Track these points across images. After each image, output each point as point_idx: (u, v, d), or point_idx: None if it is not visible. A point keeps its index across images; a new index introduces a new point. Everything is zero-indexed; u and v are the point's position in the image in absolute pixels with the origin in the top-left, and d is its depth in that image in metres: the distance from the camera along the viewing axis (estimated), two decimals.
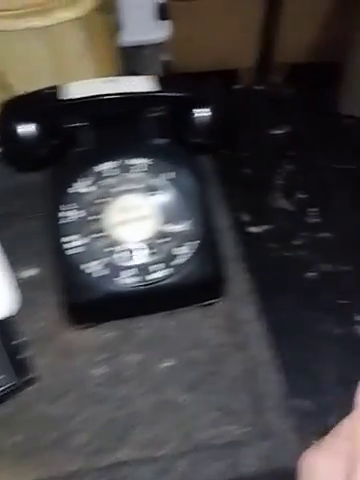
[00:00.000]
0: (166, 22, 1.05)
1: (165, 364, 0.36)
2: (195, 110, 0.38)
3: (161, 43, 0.98)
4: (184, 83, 0.40)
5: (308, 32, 1.27)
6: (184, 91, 0.39)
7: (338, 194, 1.10)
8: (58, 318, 0.37)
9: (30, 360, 0.35)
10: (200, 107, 0.38)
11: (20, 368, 0.34)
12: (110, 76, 0.56)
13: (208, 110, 0.38)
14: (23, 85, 0.40)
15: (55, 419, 0.33)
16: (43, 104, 0.37)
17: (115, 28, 0.65)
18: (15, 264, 0.39)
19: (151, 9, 1.06)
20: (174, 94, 0.38)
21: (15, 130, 0.36)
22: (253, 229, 1.08)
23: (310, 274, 0.98)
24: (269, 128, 1.26)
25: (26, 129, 0.36)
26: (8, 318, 0.36)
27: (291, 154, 1.19)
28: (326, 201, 1.09)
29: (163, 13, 1.06)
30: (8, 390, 0.33)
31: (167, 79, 0.39)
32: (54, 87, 0.37)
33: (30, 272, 0.40)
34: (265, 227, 1.07)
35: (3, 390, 0.33)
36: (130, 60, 0.79)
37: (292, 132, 1.24)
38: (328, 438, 0.20)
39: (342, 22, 1.16)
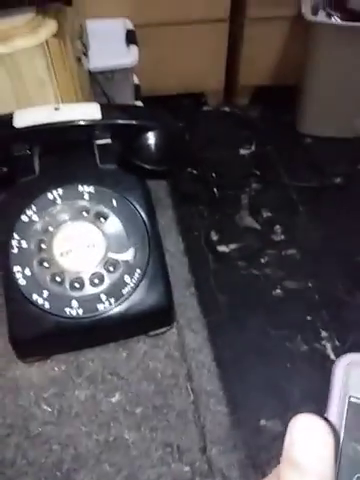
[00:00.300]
0: (134, 47, 1.07)
1: (112, 399, 0.35)
2: (140, 136, 0.38)
3: (130, 68, 0.99)
4: (128, 111, 0.40)
5: (269, 56, 1.32)
6: (128, 118, 0.39)
7: (301, 211, 1.13)
8: (6, 351, 0.36)
9: None
10: (145, 134, 0.38)
11: None
12: (74, 102, 0.56)
13: (153, 137, 0.38)
14: None
15: None
16: None
17: (81, 54, 0.65)
18: None
19: (120, 34, 1.08)
20: (119, 122, 0.38)
21: None
22: (222, 248, 1.09)
23: (277, 291, 0.99)
24: (236, 148, 1.28)
25: None
26: None
27: (256, 173, 1.22)
28: (290, 218, 1.11)
29: (131, 39, 1.08)
30: None
31: (112, 107, 0.39)
32: (5, 115, 0.37)
33: None
34: (233, 246, 1.08)
35: None
36: (101, 85, 0.80)
37: (257, 152, 1.27)
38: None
39: (299, 46, 1.21)
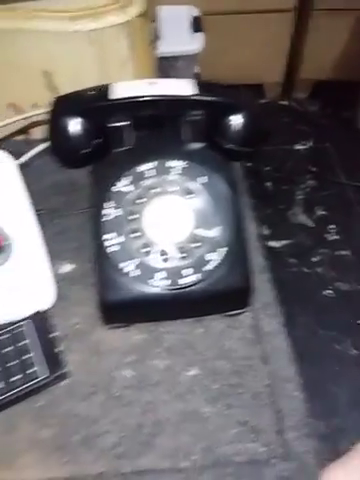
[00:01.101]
0: (200, 34, 1.06)
1: (190, 372, 0.35)
2: (230, 116, 0.38)
3: (194, 55, 0.99)
4: (222, 89, 0.40)
5: (333, 50, 1.28)
6: (221, 97, 0.39)
7: (357, 212, 1.09)
8: (91, 315, 0.37)
9: (62, 355, 0.34)
10: (235, 113, 0.38)
11: (53, 362, 0.34)
12: None
13: (243, 117, 0.38)
14: (68, 86, 0.40)
15: (84, 418, 0.33)
16: (91, 102, 0.37)
17: (154, 37, 0.66)
18: (53, 259, 0.39)
19: (186, 21, 1.08)
20: (212, 99, 0.38)
21: (65, 125, 0.37)
22: (273, 243, 1.07)
23: (327, 292, 0.96)
24: (292, 143, 1.26)
25: (74, 125, 0.36)
26: (44, 311, 0.36)
27: (313, 170, 1.18)
28: (346, 219, 1.08)
29: (197, 26, 1.08)
30: (41, 383, 0.33)
31: (206, 84, 0.39)
32: (102, 86, 0.38)
33: (67, 268, 0.41)
34: (284, 242, 1.06)
35: (36, 382, 0.33)
36: (164, 70, 0.80)
37: (314, 148, 1.24)
38: (348, 455, 0.20)
39: None
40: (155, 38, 0.72)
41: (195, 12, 1.15)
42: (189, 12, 1.15)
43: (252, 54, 1.33)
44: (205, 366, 0.35)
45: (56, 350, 0.35)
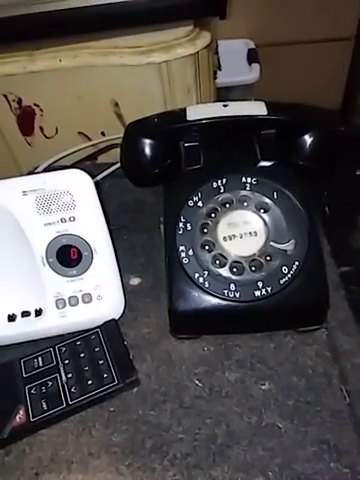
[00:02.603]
0: (256, 65, 1.10)
1: (262, 386, 0.35)
2: (301, 134, 0.39)
3: (251, 85, 1.03)
4: (292, 108, 0.41)
5: None
6: (292, 115, 0.40)
7: None
8: (160, 326, 0.38)
9: (133, 363, 0.35)
10: (306, 131, 0.39)
11: (125, 369, 0.35)
12: None
13: (313, 134, 0.39)
14: (134, 114, 0.43)
15: (155, 425, 0.33)
16: (167, 125, 0.40)
17: (216, 68, 0.69)
18: (123, 272, 0.41)
19: (243, 53, 1.13)
20: (283, 118, 0.39)
21: (138, 147, 0.39)
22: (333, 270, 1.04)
23: None
24: (351, 168, 1.23)
25: (148, 147, 0.39)
26: (116, 321, 0.38)
27: None
28: None
29: (253, 57, 1.12)
30: (113, 389, 0.34)
31: (276, 104, 0.41)
32: (179, 109, 0.40)
33: (136, 281, 0.43)
34: (345, 268, 1.02)
35: (109, 388, 0.34)
36: (223, 99, 0.83)
37: None
38: None
39: None
40: (217, 69, 0.76)
41: (251, 45, 1.20)
42: (245, 45, 1.20)
43: (310, 82, 1.34)
44: (278, 381, 0.35)
45: (127, 358, 0.36)
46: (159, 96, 0.57)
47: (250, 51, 1.17)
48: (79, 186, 0.38)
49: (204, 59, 0.59)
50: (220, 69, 0.81)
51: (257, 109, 0.40)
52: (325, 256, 0.43)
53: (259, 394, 0.34)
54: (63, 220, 0.38)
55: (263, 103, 0.40)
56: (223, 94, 1.09)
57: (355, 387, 0.34)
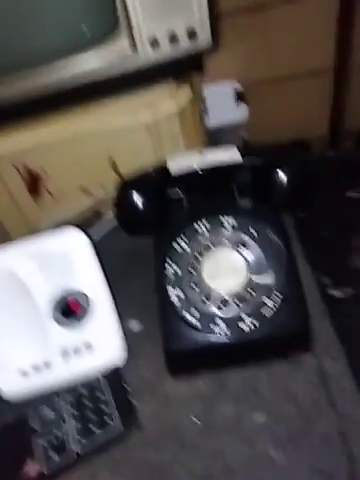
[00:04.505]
0: (243, 105, 1.17)
1: (257, 418, 0.36)
2: (276, 174, 0.42)
3: (240, 124, 1.08)
4: (265, 152, 0.45)
5: None
6: (265, 159, 0.43)
7: None
8: (159, 368, 0.40)
9: (135, 408, 0.37)
10: (280, 171, 0.42)
11: (128, 415, 0.37)
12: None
13: (287, 174, 0.42)
14: (129, 166, 0.47)
15: (157, 466, 0.35)
16: (154, 179, 0.44)
17: (202, 113, 0.74)
18: (123, 318, 0.44)
19: (230, 95, 1.19)
20: (257, 162, 0.43)
21: (130, 203, 0.43)
22: (334, 292, 1.05)
23: None
24: (342, 191, 1.26)
25: (138, 202, 0.43)
26: (117, 368, 0.40)
27: None
28: None
29: (240, 98, 1.19)
30: (118, 436, 0.36)
31: (249, 149, 0.44)
32: (160, 166, 0.44)
33: (134, 325, 0.45)
34: (346, 290, 1.03)
35: (113, 436, 0.36)
36: (214, 139, 0.88)
37: None
38: None
39: None
40: (205, 112, 0.81)
41: (238, 86, 1.27)
42: (232, 87, 1.27)
43: (296, 114, 1.40)
44: (272, 411, 0.36)
45: (129, 404, 0.38)
46: (150, 148, 0.61)
47: (237, 92, 1.24)
48: (76, 244, 0.43)
49: (188, 110, 0.63)
50: (207, 113, 0.86)
51: (232, 155, 0.43)
52: (309, 285, 0.46)
53: (254, 425, 0.36)
54: (63, 275, 0.42)
55: (236, 149, 0.44)
56: (215, 135, 1.14)
57: (343, 410, 0.35)
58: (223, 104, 1.16)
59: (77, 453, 0.35)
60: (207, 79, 1.01)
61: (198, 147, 0.67)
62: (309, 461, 0.33)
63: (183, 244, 0.41)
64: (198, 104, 0.69)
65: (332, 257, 1.20)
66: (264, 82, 1.34)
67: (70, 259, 0.42)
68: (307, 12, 1.17)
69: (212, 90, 1.06)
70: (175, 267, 0.40)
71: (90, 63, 0.48)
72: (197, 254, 0.40)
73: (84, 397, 0.39)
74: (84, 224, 0.52)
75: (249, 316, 0.38)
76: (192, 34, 0.49)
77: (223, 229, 0.41)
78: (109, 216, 0.61)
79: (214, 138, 0.90)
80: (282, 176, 0.42)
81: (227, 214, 0.42)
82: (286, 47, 1.25)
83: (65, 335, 0.41)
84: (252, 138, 1.15)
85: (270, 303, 0.38)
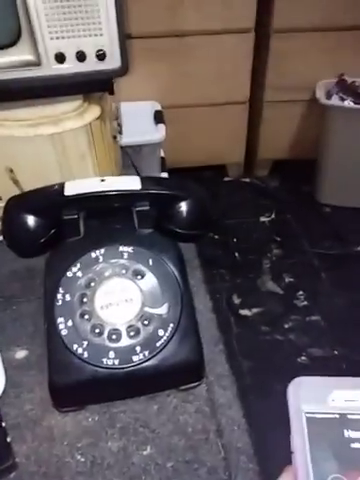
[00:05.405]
0: (162, 126, 1.19)
1: (144, 452, 0.36)
2: (175, 205, 0.43)
3: (158, 143, 1.10)
4: (165, 182, 0.46)
5: (286, 134, 1.43)
6: (164, 189, 0.44)
7: (323, 278, 1.14)
8: (44, 401, 0.37)
9: (12, 445, 0.34)
10: (179, 202, 0.43)
11: (1, 454, 0.34)
12: (109, 173, 0.63)
13: (186, 205, 0.43)
14: (30, 181, 0.45)
15: None
16: (44, 199, 0.42)
17: (116, 132, 0.74)
18: (8, 345, 0.41)
19: (149, 115, 1.21)
20: (156, 192, 0.43)
21: (17, 222, 0.40)
22: (244, 312, 1.09)
23: (302, 358, 0.97)
24: (256, 216, 1.34)
25: (27, 222, 0.40)
26: None
27: (277, 239, 1.25)
28: (312, 284, 1.12)
29: (159, 118, 1.21)
30: None
31: (150, 179, 0.45)
32: (54, 185, 0.42)
33: (21, 354, 0.42)
34: (255, 310, 1.08)
35: None
36: (130, 157, 0.88)
37: (277, 219, 1.32)
38: None
39: (314, 125, 1.31)
40: (119, 132, 0.81)
41: (157, 106, 1.30)
42: (152, 106, 1.29)
43: (214, 140, 1.47)
44: (159, 444, 0.36)
45: (4, 442, 0.34)
46: (54, 163, 0.59)
47: (156, 112, 1.27)
48: None
49: (97, 128, 0.63)
50: (120, 132, 0.86)
51: (132, 184, 0.43)
52: (207, 312, 0.47)
53: (140, 460, 0.35)
54: None
55: (137, 178, 0.44)
56: (131, 153, 1.15)
57: (229, 440, 0.36)
58: (143, 123, 1.18)
59: None
60: (125, 98, 1.02)
61: (110, 165, 0.67)
62: None
63: (77, 271, 0.39)
64: (110, 122, 0.68)
65: (243, 278, 1.26)
66: (184, 107, 1.39)
67: None
68: (225, 45, 1.25)
69: (130, 108, 1.07)
70: (66, 295, 0.38)
71: None
72: (91, 283, 0.39)
73: None
74: None
75: (141, 347, 0.37)
76: (101, 56, 0.49)
77: (120, 258, 0.40)
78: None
79: (130, 157, 0.91)
80: (182, 207, 0.43)
81: (126, 243, 0.41)
82: (206, 79, 1.31)
83: None
84: (171, 159, 1.18)
85: (163, 334, 0.38)
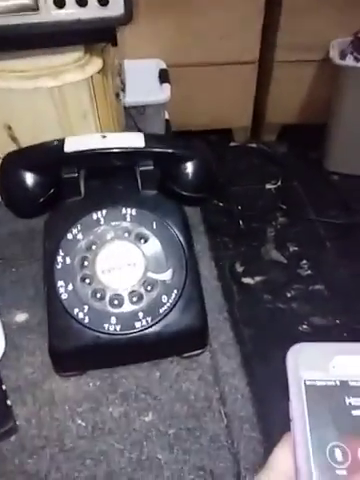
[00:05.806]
0: (166, 85, 1.13)
1: (145, 418, 0.35)
2: (179, 165, 0.40)
3: (162, 104, 1.05)
4: (170, 140, 0.43)
5: (296, 97, 1.37)
6: (169, 147, 0.41)
7: (328, 247, 1.12)
8: (45, 364, 0.37)
9: (13, 408, 0.34)
10: (184, 162, 0.40)
11: (1, 416, 0.33)
12: (112, 132, 0.59)
13: (191, 165, 0.40)
14: (29, 139, 0.42)
15: (33, 474, 0.32)
16: (43, 156, 0.39)
17: (119, 90, 0.70)
18: (8, 308, 0.40)
19: (154, 73, 1.15)
20: (160, 150, 0.41)
21: (14, 180, 0.38)
22: (247, 280, 1.08)
23: (304, 327, 0.97)
24: (262, 183, 1.31)
25: (24, 179, 0.38)
26: None
27: (283, 207, 1.23)
28: (317, 254, 1.11)
29: (164, 77, 1.15)
30: None
31: (154, 136, 0.42)
32: (57, 140, 0.40)
33: (22, 317, 0.41)
34: (258, 278, 1.07)
35: None
36: (134, 118, 0.85)
37: (284, 187, 1.29)
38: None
39: (326, 87, 1.25)
40: (122, 90, 0.77)
41: (162, 65, 1.23)
42: (157, 65, 1.23)
43: (220, 102, 1.41)
44: (161, 410, 0.35)
45: (4, 405, 0.34)
46: (54, 120, 0.56)
47: (161, 71, 1.21)
48: None
49: (99, 83, 0.59)
50: (124, 90, 0.82)
51: (135, 141, 0.40)
52: (211, 279, 0.45)
53: (142, 426, 0.34)
54: None
55: (141, 134, 0.41)
56: (135, 114, 1.10)
57: (232, 409, 0.35)
58: (147, 82, 1.12)
59: None
60: (129, 55, 0.96)
61: (113, 125, 0.63)
62: (196, 462, 0.33)
63: (77, 233, 0.37)
64: (113, 78, 0.65)
65: (247, 246, 1.24)
66: (190, 66, 1.33)
67: None
68: (234, 1, 1.17)
69: (135, 66, 1.01)
70: (67, 258, 0.37)
71: None
72: (92, 246, 0.37)
73: None
74: None
75: (144, 313, 0.36)
76: (103, 0, 0.45)
77: (122, 220, 0.38)
78: None
79: (133, 118, 0.86)
80: (187, 167, 0.40)
81: (128, 205, 0.39)
82: (212, 36, 1.24)
83: None
84: (176, 121, 1.13)
85: (166, 300, 0.36)
